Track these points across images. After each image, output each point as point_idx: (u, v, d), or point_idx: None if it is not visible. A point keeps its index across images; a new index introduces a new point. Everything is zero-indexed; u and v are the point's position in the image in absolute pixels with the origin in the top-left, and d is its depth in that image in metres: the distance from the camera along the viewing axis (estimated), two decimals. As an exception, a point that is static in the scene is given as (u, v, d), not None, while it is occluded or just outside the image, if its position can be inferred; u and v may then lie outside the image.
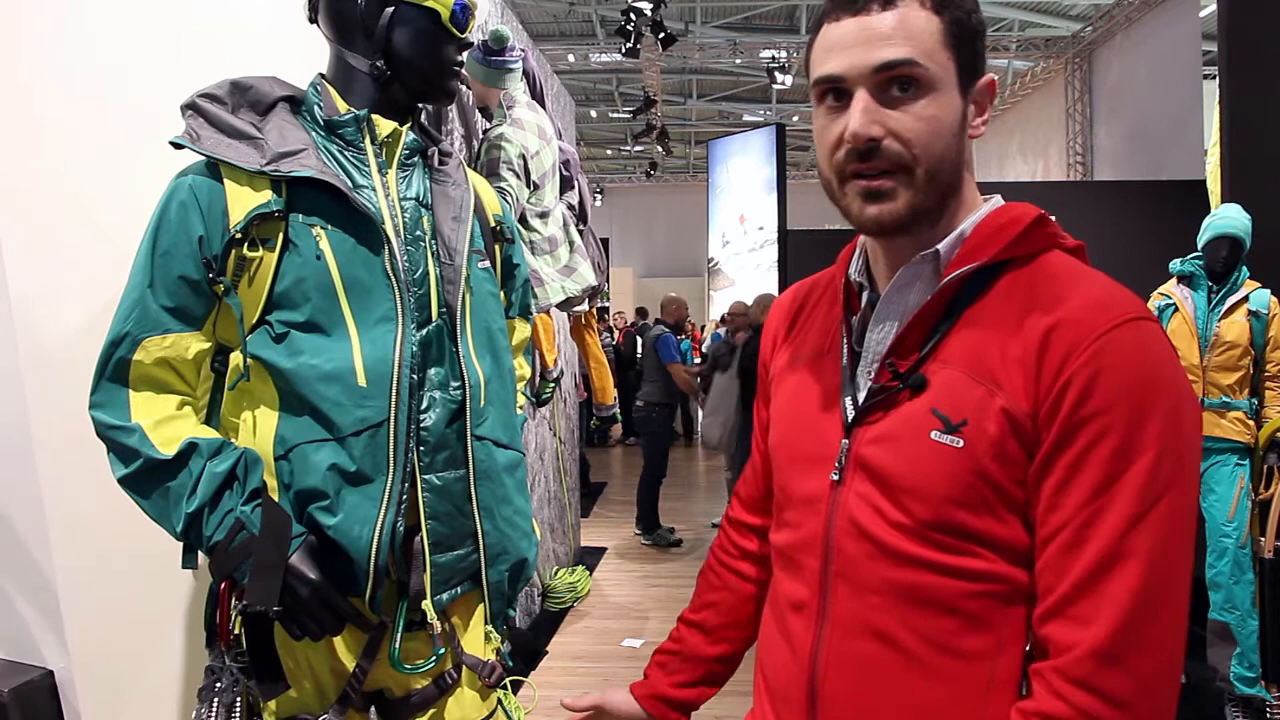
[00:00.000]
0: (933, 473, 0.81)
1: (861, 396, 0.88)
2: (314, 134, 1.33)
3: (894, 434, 0.84)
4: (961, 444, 0.79)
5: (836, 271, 1.00)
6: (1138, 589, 0.73)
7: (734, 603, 1.16)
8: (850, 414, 0.89)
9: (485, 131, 2.92)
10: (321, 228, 1.27)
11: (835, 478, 0.88)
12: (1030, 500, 0.79)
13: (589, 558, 5.45)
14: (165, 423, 1.22)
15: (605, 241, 10.26)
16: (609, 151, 18.11)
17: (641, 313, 12.27)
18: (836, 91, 0.84)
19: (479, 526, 1.35)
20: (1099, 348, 0.75)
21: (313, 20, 1.41)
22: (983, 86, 0.86)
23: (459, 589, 1.37)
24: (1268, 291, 3.25)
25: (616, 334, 11.47)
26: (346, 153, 1.33)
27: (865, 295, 0.94)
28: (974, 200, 0.89)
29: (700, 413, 6.35)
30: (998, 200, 0.90)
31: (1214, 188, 4.65)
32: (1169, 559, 0.74)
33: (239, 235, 1.23)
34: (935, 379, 0.83)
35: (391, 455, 1.26)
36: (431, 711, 1.38)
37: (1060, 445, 0.76)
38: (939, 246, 0.86)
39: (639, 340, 10.34)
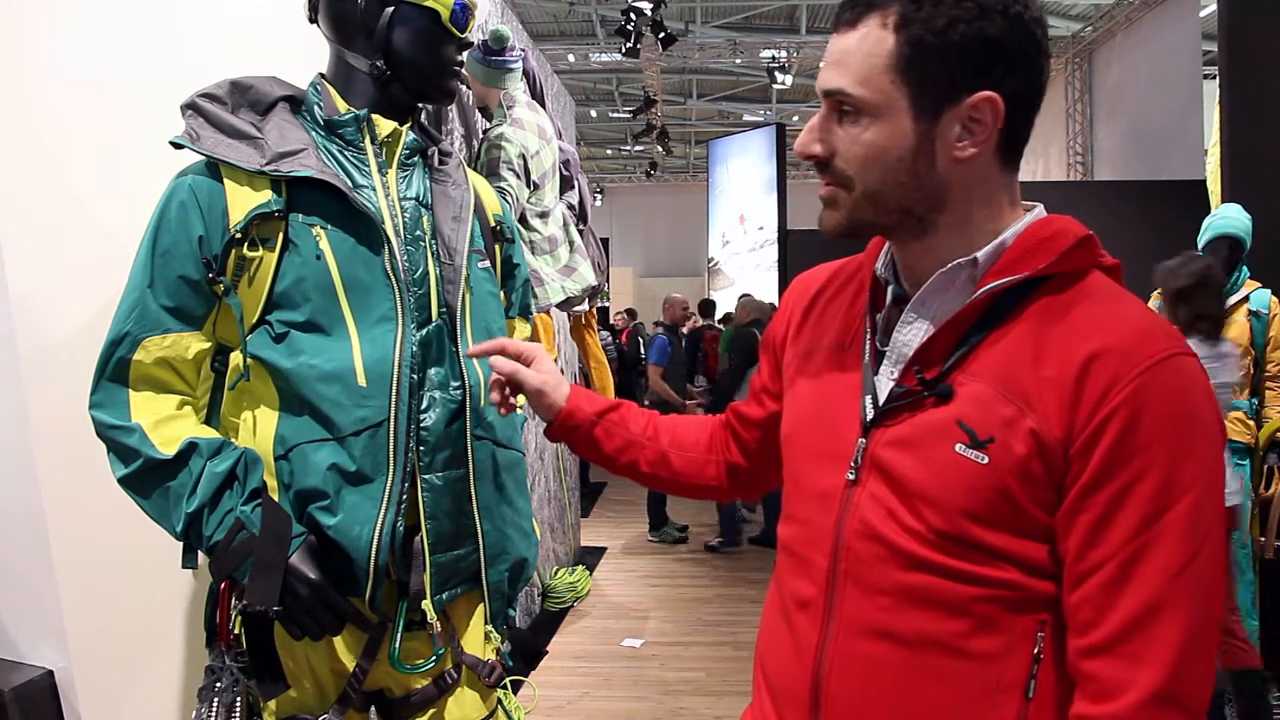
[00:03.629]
0: (953, 484, 0.80)
1: (883, 397, 0.88)
2: (314, 134, 1.33)
3: (915, 440, 0.83)
4: (986, 460, 0.79)
5: (864, 261, 0.98)
6: (1188, 630, 0.74)
7: (700, 457, 1.19)
8: (870, 413, 0.88)
9: (485, 131, 2.92)
10: (321, 227, 1.27)
11: (851, 477, 0.87)
12: (1061, 530, 0.79)
13: (589, 558, 5.45)
14: (165, 422, 1.22)
15: (605, 241, 10.26)
16: (609, 151, 18.10)
17: (631, 313, 12.28)
18: None
19: (479, 526, 1.35)
20: (1143, 383, 0.75)
21: (313, 20, 1.41)
22: (974, 104, 0.80)
23: (459, 589, 1.37)
24: (1268, 291, 3.25)
25: (621, 334, 11.46)
26: (346, 152, 1.33)
27: (890, 291, 0.93)
28: (1013, 209, 0.87)
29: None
30: (1040, 210, 0.88)
31: (1214, 188, 4.65)
32: (1213, 596, 0.76)
33: (239, 235, 1.23)
34: (963, 391, 0.82)
35: (391, 455, 1.26)
36: (431, 711, 1.38)
37: (1100, 480, 0.76)
38: (978, 254, 0.85)
39: (640, 340, 10.34)
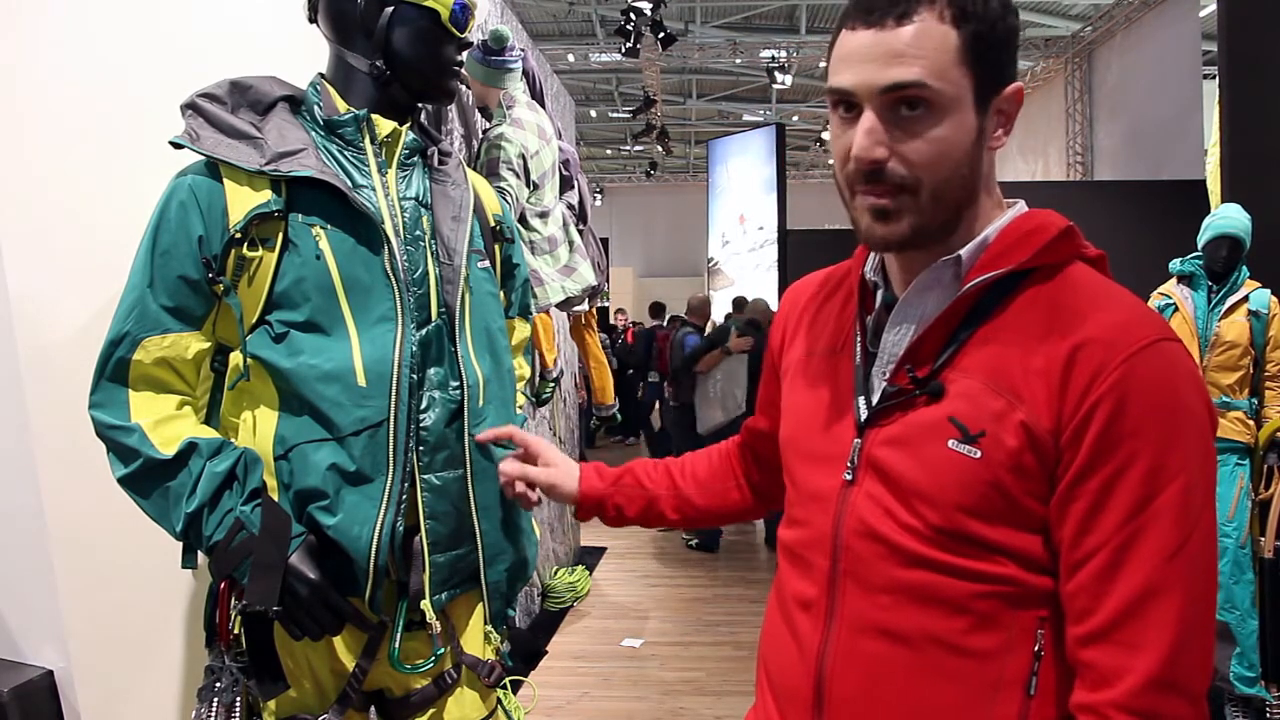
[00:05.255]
0: (947, 480, 0.81)
1: (875, 397, 0.88)
2: (313, 134, 1.33)
3: (908, 438, 0.84)
4: (979, 454, 0.80)
5: (853, 266, 0.99)
6: (1183, 614, 0.74)
7: (719, 487, 1.21)
8: (863, 414, 0.88)
9: (485, 131, 2.92)
10: (321, 227, 1.27)
11: (848, 477, 0.88)
12: (1054, 520, 0.79)
13: (589, 557, 5.45)
14: (165, 422, 1.22)
15: (605, 241, 10.27)
16: (609, 151, 18.10)
17: (620, 312, 12.27)
18: (847, 104, 0.82)
19: (478, 526, 1.35)
20: (1128, 369, 0.75)
21: (312, 20, 1.41)
22: (1008, 96, 0.83)
23: (458, 589, 1.37)
24: (1268, 291, 3.25)
25: (625, 333, 11.44)
26: (346, 152, 1.33)
27: (880, 294, 0.93)
28: (995, 207, 0.88)
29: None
30: (1021, 206, 0.89)
31: (1214, 188, 4.65)
32: (1208, 580, 0.76)
33: (238, 235, 1.23)
34: (953, 387, 0.83)
35: (391, 455, 1.26)
36: (431, 711, 1.38)
37: (1090, 468, 0.76)
38: (961, 252, 0.85)
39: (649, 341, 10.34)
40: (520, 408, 1.57)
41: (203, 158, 1.25)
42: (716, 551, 5.75)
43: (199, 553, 1.26)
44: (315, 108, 1.35)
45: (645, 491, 1.20)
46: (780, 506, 1.22)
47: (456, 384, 1.34)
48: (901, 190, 0.81)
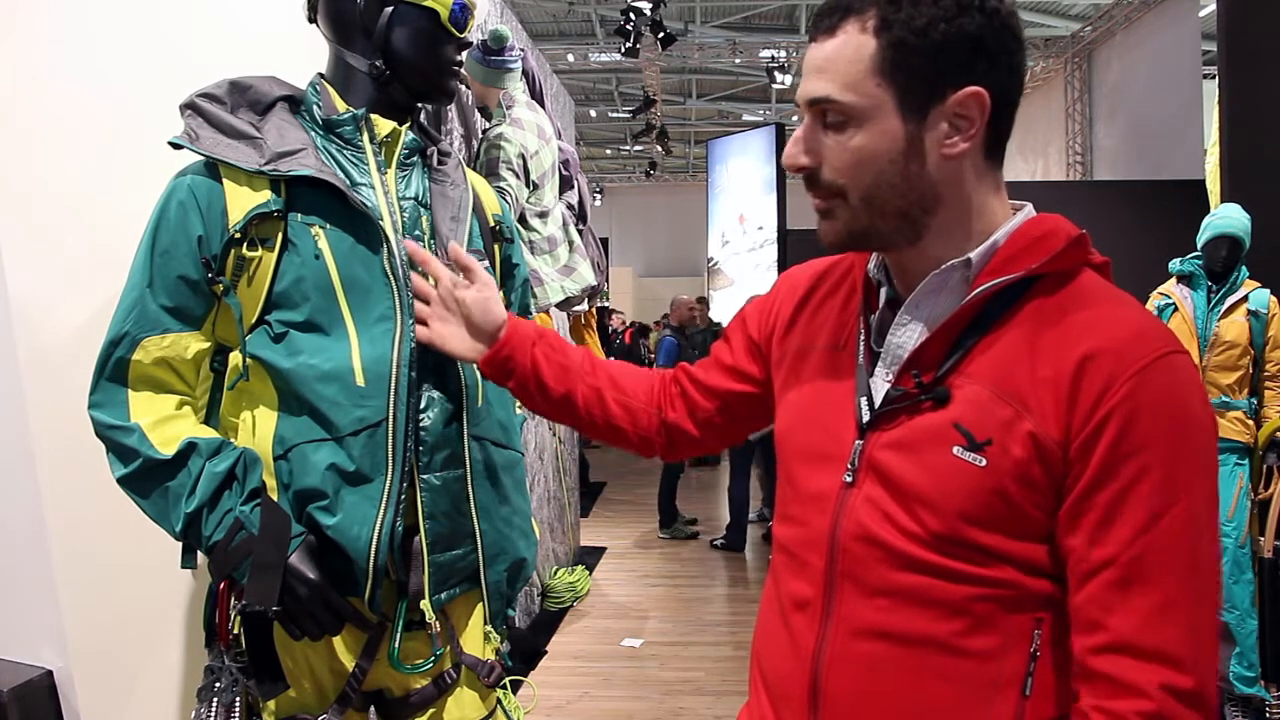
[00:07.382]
0: (951, 487, 0.81)
1: (879, 399, 0.88)
2: (313, 133, 1.33)
3: (912, 443, 0.84)
4: (984, 463, 0.79)
5: (856, 261, 0.99)
6: (1194, 625, 0.75)
7: (637, 405, 1.16)
8: (865, 415, 0.88)
9: (485, 131, 2.92)
10: (320, 227, 1.27)
11: (848, 479, 0.87)
12: (1063, 530, 0.79)
13: (588, 557, 5.45)
14: (164, 422, 1.22)
15: (605, 241, 10.26)
16: (609, 151, 18.12)
17: (617, 313, 12.28)
18: None
19: (477, 526, 1.35)
20: (1138, 383, 0.75)
21: (312, 20, 1.41)
22: (960, 100, 0.80)
23: (458, 589, 1.37)
24: (1267, 291, 3.26)
25: (624, 334, 11.44)
26: (345, 152, 1.33)
27: (883, 292, 0.93)
28: (997, 209, 0.87)
29: None
30: (1029, 209, 0.89)
31: (1214, 188, 4.66)
32: (1215, 589, 0.77)
33: (238, 235, 1.23)
34: (959, 393, 0.82)
35: (390, 455, 1.26)
36: (431, 711, 1.38)
37: (1100, 480, 0.76)
38: (970, 255, 0.85)
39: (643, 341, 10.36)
40: (520, 407, 1.57)
41: (202, 158, 1.25)
42: (742, 551, 5.72)
43: (199, 553, 1.26)
44: (314, 107, 1.35)
45: (566, 359, 1.14)
46: (681, 458, 1.23)
47: (456, 383, 1.34)
48: (833, 195, 0.86)
